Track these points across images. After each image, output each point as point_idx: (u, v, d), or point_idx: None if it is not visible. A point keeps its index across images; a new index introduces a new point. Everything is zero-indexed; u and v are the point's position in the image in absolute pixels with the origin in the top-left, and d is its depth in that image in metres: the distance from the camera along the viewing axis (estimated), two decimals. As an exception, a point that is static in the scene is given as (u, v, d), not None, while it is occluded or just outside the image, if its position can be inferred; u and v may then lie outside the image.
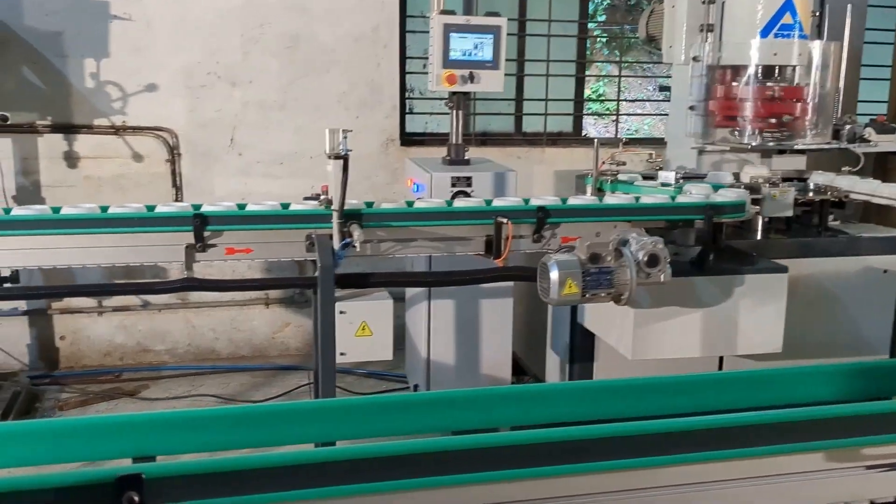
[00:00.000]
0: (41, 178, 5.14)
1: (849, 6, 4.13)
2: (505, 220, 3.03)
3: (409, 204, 3.08)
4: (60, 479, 0.98)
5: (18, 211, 2.96)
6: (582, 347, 3.93)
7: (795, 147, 4.07)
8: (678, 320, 3.31)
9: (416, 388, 4.15)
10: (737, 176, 3.97)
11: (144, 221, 2.87)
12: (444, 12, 3.85)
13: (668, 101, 5.04)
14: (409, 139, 5.70)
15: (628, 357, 3.36)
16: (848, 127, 4.17)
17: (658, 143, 5.25)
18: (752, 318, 3.36)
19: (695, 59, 4.13)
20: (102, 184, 5.20)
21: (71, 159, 5.16)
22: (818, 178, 4.09)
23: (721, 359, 4.03)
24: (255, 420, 1.54)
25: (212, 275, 5.09)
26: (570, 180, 5.81)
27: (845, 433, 1.52)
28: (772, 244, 3.97)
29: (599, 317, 3.62)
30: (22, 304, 5.24)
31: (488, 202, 3.10)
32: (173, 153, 5.26)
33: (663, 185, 3.62)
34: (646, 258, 2.97)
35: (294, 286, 3.05)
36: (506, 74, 4.12)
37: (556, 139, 6.01)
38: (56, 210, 2.96)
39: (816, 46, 3.91)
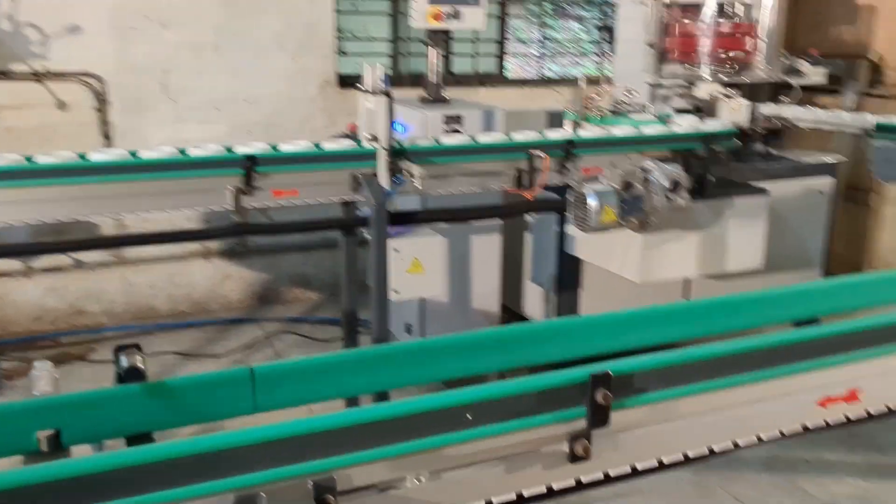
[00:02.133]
0: (-47, 131, 4.66)
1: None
2: (542, 154, 3.13)
3: (473, 139, 3.10)
4: (539, 383, 1.02)
5: (43, 159, 2.70)
6: (569, 276, 4.12)
7: (745, 80, 4.40)
8: (679, 243, 3.55)
9: (409, 327, 4.19)
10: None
11: (185, 165, 2.73)
12: (427, -50, 3.82)
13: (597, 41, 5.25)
14: (345, 81, 5.60)
15: (636, 281, 3.57)
16: (785, 61, 4.54)
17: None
18: (740, 238, 3.66)
19: (653, -3, 4.34)
20: (25, 135, 4.78)
21: (-13, 109, 4.70)
22: (764, 108, 4.44)
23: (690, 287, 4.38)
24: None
25: (146, 229, 4.87)
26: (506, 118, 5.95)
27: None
28: (730, 170, 4.30)
29: (595, 245, 3.80)
30: (-61, 271, 4.77)
31: (549, 133, 3.19)
32: (101, 100, 4.90)
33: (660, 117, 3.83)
34: (670, 184, 3.18)
35: (341, 227, 3.01)
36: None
37: (483, 80, 6.10)
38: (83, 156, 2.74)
39: (766, -15, 4.23)
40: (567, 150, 3.23)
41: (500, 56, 6.27)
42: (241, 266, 5.54)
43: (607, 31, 5.56)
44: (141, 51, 4.95)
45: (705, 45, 4.29)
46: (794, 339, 1.24)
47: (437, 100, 4.08)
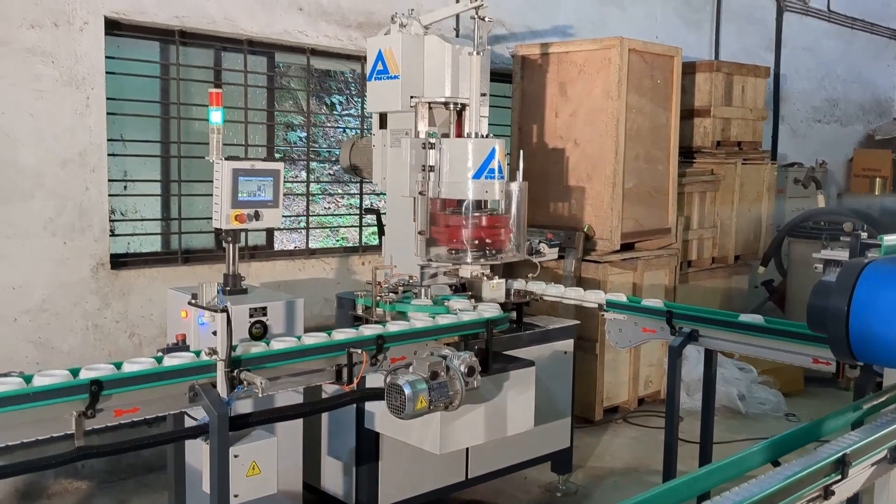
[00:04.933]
0: None
1: (520, 152, 5.38)
2: (359, 350, 3.51)
3: (301, 341, 3.38)
4: None
5: None
6: (368, 449, 4.46)
7: (499, 262, 5.14)
8: (470, 415, 4.05)
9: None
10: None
11: (32, 397, 2.74)
12: (230, 158, 4.14)
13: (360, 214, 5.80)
14: (117, 262, 5.60)
15: (436, 452, 3.99)
16: (527, 243, 5.38)
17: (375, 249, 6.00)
18: (516, 406, 4.25)
19: (421, 193, 4.98)
20: None
21: None
22: (516, 284, 5.21)
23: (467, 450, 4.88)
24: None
25: None
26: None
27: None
28: (495, 340, 4.94)
29: (395, 421, 4.18)
30: None
31: (363, 330, 3.57)
32: None
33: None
34: (466, 370, 3.70)
35: (182, 438, 3.09)
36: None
37: (253, 253, 6.38)
38: None
39: (514, 185, 5.04)
40: (379, 345, 3.64)
41: (270, 230, 6.60)
42: None
43: (374, 212, 6.17)
44: None
45: (466, 233, 4.98)
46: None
47: (236, 291, 4.31)
